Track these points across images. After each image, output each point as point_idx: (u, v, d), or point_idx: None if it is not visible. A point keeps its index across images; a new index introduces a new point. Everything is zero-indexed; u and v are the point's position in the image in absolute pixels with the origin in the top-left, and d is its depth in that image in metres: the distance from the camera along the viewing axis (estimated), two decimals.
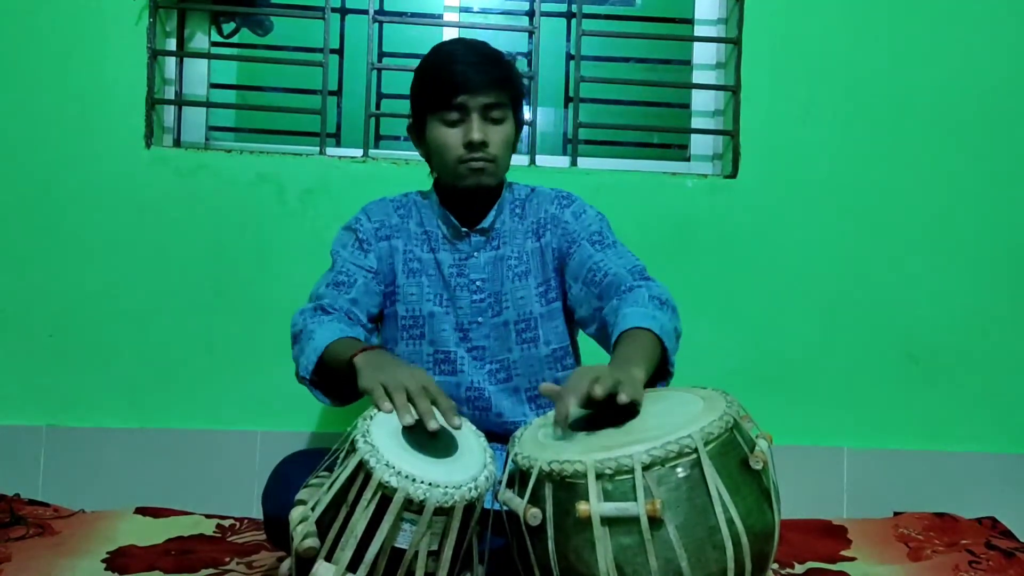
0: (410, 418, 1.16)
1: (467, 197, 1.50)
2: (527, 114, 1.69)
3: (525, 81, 1.63)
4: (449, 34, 2.23)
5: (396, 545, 1.07)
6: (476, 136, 1.42)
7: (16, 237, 1.99)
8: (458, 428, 1.21)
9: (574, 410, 1.16)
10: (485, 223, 1.52)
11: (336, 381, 1.37)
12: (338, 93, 2.29)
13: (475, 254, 1.53)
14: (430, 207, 1.57)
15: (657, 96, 2.42)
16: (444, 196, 1.54)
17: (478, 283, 1.53)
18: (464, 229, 1.53)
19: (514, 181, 1.60)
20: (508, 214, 1.56)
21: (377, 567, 1.07)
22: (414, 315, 1.53)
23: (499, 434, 1.48)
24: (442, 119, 1.45)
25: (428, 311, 1.52)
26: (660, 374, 1.35)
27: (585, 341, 1.61)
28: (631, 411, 1.18)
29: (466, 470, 1.13)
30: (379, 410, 1.18)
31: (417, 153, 2.05)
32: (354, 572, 1.06)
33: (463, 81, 1.42)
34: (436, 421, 1.17)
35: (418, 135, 1.53)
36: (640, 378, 1.20)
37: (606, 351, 1.45)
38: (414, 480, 1.06)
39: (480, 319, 1.52)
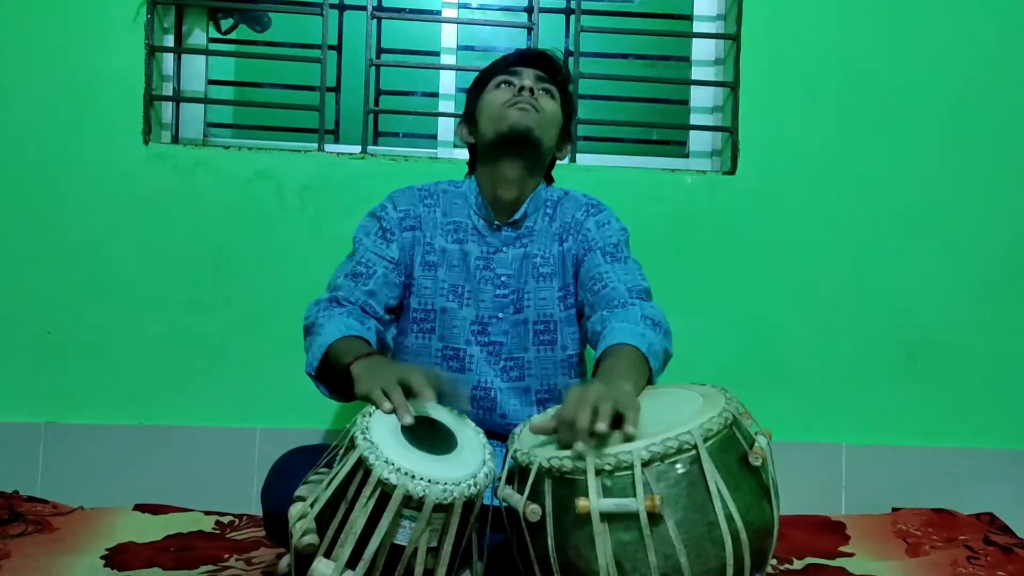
0: (409, 417, 1.16)
1: (508, 145, 1.50)
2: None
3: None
4: (448, 30, 2.22)
5: (395, 542, 1.07)
6: (527, 82, 1.51)
7: (14, 233, 1.99)
8: (465, 406, 1.22)
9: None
10: (517, 215, 1.54)
11: (339, 380, 1.37)
12: (336, 89, 2.29)
13: (503, 249, 1.54)
14: (463, 195, 1.58)
15: (656, 92, 2.42)
16: (483, 183, 1.56)
17: (503, 278, 1.53)
18: (496, 222, 1.53)
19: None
20: (540, 214, 1.57)
21: (376, 564, 1.07)
22: (426, 309, 1.53)
23: (501, 436, 1.48)
24: (496, 83, 1.54)
25: (440, 306, 1.52)
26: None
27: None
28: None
29: (465, 467, 1.13)
30: (379, 408, 1.18)
31: (416, 150, 2.05)
32: (353, 569, 1.06)
33: (521, 54, 1.58)
34: (432, 404, 1.18)
35: (470, 120, 1.59)
36: (631, 392, 1.19)
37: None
38: (413, 477, 1.06)
39: (500, 314, 1.52)
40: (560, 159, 1.63)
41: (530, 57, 1.56)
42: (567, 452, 1.09)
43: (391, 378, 1.20)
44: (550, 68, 1.56)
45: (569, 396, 1.14)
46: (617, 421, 1.10)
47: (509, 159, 1.51)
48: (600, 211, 1.57)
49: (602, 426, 1.06)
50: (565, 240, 1.55)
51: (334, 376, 1.37)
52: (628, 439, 1.09)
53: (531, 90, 1.50)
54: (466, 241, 1.54)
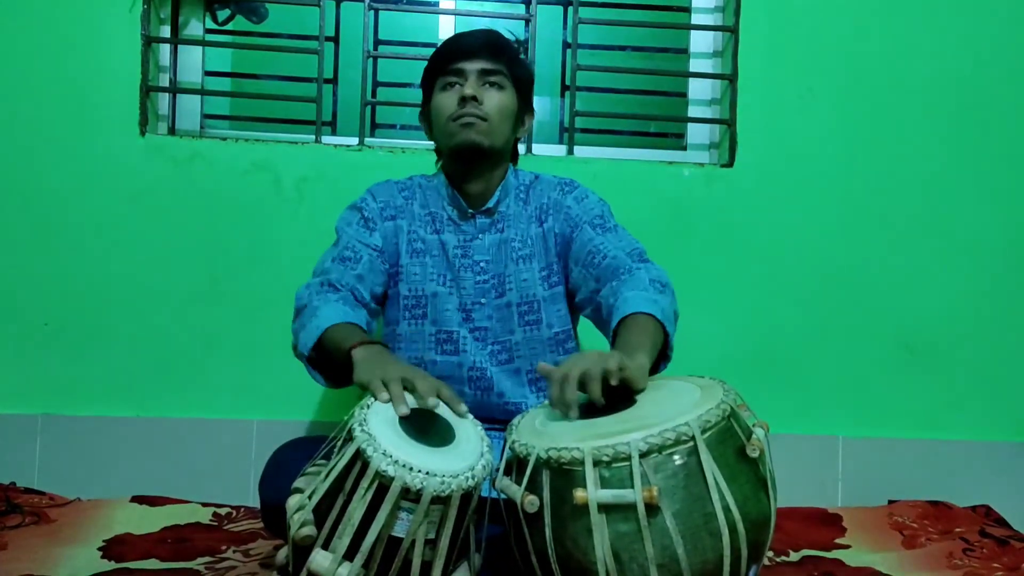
0: (405, 408, 1.16)
1: (461, 159, 1.52)
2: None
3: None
4: (445, 22, 2.22)
5: (393, 534, 1.07)
6: (468, 91, 1.48)
7: (10, 225, 1.98)
8: (464, 416, 1.22)
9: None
10: (490, 203, 1.54)
11: (332, 364, 1.37)
12: (334, 81, 2.28)
13: (479, 236, 1.55)
14: (435, 189, 1.59)
15: (654, 84, 2.41)
16: (450, 175, 1.57)
17: (482, 264, 1.54)
18: (470, 211, 1.54)
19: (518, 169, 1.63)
20: (513, 199, 1.57)
21: (374, 555, 1.07)
22: (416, 295, 1.53)
23: (500, 417, 1.48)
24: (441, 85, 1.52)
25: (431, 291, 1.53)
26: (660, 357, 1.36)
27: (584, 327, 1.62)
28: (628, 399, 1.18)
29: (463, 459, 1.13)
30: (376, 399, 1.18)
31: (413, 142, 2.05)
32: (351, 560, 1.07)
33: (461, 48, 1.51)
34: (435, 399, 1.18)
35: (426, 118, 1.58)
36: (646, 366, 1.21)
37: (602, 333, 1.46)
38: (411, 469, 1.06)
39: (483, 300, 1.53)
40: (524, 133, 1.62)
41: (470, 49, 1.51)
42: (565, 443, 1.10)
43: (394, 374, 1.21)
44: (494, 53, 1.51)
45: (575, 356, 1.20)
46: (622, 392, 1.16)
47: (467, 167, 1.53)
48: (575, 187, 1.59)
49: (573, 406, 1.15)
50: (544, 220, 1.56)
51: (327, 360, 1.37)
52: (625, 402, 1.17)
53: (474, 97, 1.47)
54: (443, 231, 1.56)
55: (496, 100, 1.50)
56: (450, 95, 1.50)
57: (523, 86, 1.57)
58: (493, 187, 1.56)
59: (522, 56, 1.59)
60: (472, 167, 1.53)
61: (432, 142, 1.62)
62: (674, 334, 1.37)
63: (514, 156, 1.64)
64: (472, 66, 1.50)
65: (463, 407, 1.23)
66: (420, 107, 1.62)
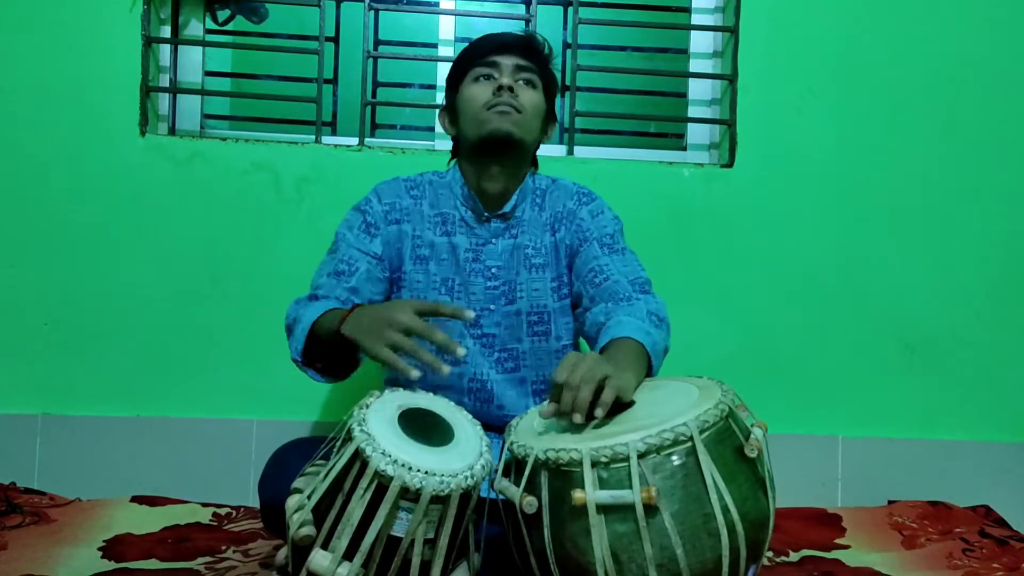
0: (416, 371, 1.20)
1: (489, 149, 1.48)
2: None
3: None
4: (445, 22, 2.22)
5: (392, 533, 1.08)
6: (505, 80, 1.47)
7: (10, 225, 1.98)
8: (471, 320, 1.26)
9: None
10: (506, 208, 1.52)
11: (331, 356, 1.36)
12: (334, 81, 2.28)
13: (493, 240, 1.53)
14: (448, 187, 1.56)
15: (654, 85, 2.41)
16: (467, 174, 1.54)
17: (493, 270, 1.52)
18: (486, 213, 1.52)
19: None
20: (529, 204, 1.55)
21: (373, 555, 1.07)
22: None
23: (499, 428, 1.48)
24: (474, 77, 1.50)
25: (433, 300, 1.51)
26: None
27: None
28: (626, 401, 1.18)
29: (462, 458, 1.13)
30: (409, 377, 1.20)
31: (413, 142, 2.05)
32: (350, 560, 1.07)
33: (497, 42, 1.51)
34: (430, 396, 1.18)
35: (451, 112, 1.55)
36: (633, 384, 1.21)
37: (589, 347, 1.46)
38: (410, 468, 1.06)
39: (492, 306, 1.52)
40: (546, 141, 1.61)
41: (507, 44, 1.50)
42: (564, 444, 1.10)
43: (393, 331, 1.20)
44: (529, 53, 1.51)
45: (563, 362, 1.16)
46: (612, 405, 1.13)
47: (493, 159, 1.50)
48: (592, 200, 1.57)
49: (578, 417, 1.11)
50: (557, 230, 1.54)
51: (325, 353, 1.37)
52: (623, 404, 1.16)
53: (510, 88, 1.46)
54: (454, 233, 1.53)
55: (529, 96, 1.49)
56: (484, 86, 1.48)
57: (550, 91, 1.56)
58: (512, 190, 1.53)
59: (551, 56, 1.58)
60: (498, 160, 1.49)
61: (433, 142, 1.60)
62: (658, 369, 1.35)
63: (533, 162, 1.62)
64: (508, 60, 1.49)
65: (470, 313, 1.24)
66: (442, 106, 1.60)
